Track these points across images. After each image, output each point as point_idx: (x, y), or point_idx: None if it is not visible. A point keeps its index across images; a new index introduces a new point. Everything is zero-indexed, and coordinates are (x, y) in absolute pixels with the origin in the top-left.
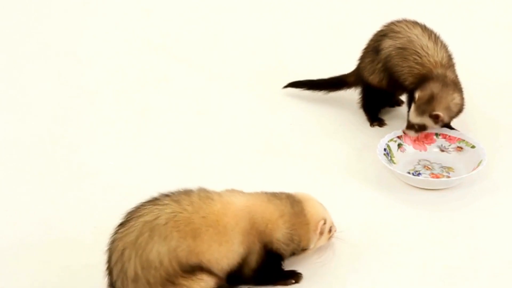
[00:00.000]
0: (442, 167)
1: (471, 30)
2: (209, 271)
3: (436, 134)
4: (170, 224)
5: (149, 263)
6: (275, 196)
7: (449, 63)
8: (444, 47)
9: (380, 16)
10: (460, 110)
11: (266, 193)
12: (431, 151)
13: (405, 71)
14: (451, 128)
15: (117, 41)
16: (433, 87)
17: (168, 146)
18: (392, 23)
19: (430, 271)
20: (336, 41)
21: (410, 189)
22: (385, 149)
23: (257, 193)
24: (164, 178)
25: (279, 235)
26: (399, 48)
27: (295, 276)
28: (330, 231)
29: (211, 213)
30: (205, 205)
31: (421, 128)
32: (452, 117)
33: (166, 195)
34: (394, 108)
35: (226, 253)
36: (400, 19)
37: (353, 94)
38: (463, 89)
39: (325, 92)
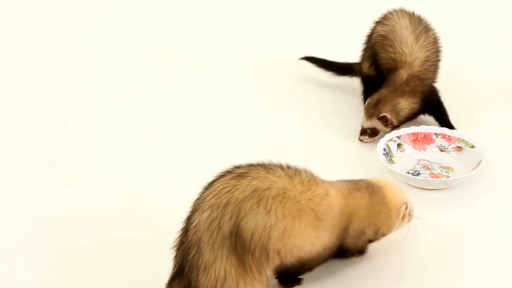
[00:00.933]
0: (441, 167)
1: (471, 30)
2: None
3: (436, 134)
4: (278, 199)
5: (241, 230)
6: (354, 186)
7: (423, 65)
8: (426, 46)
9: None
10: (408, 115)
11: (346, 182)
12: (431, 151)
13: (383, 61)
14: (451, 128)
15: (117, 41)
16: (381, 91)
17: (168, 146)
18: (391, 10)
19: (429, 271)
20: (336, 41)
21: (410, 189)
22: (384, 149)
23: (337, 182)
24: (164, 178)
25: (356, 227)
26: (382, 36)
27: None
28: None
29: (316, 196)
30: (312, 188)
31: (373, 132)
32: (401, 121)
33: (280, 167)
34: None
35: (314, 239)
36: (399, 7)
37: (353, 95)
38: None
39: (334, 74)
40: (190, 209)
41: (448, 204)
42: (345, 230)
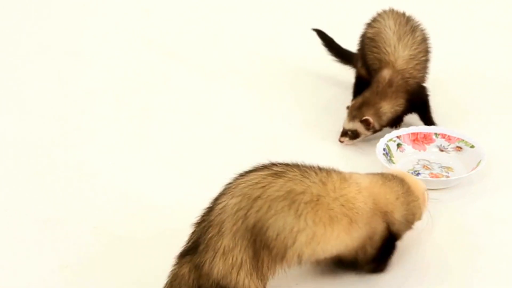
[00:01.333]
0: (441, 167)
1: (471, 30)
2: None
3: (436, 134)
4: (311, 205)
5: (267, 227)
6: (385, 177)
7: (407, 63)
8: (411, 45)
9: None
10: (391, 118)
11: (374, 174)
12: (431, 151)
13: (370, 62)
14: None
15: (117, 41)
16: (365, 94)
17: (168, 146)
18: (380, 11)
19: (428, 271)
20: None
21: None
22: (384, 149)
23: (367, 175)
24: (164, 178)
25: (399, 215)
26: (369, 38)
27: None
28: None
29: (348, 200)
30: (344, 191)
31: (354, 135)
32: (383, 125)
33: (313, 170)
34: None
35: (347, 241)
36: (390, 8)
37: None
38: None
39: (335, 58)
40: (220, 191)
41: (447, 204)
42: (388, 216)
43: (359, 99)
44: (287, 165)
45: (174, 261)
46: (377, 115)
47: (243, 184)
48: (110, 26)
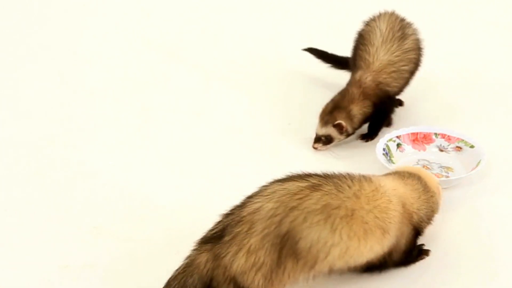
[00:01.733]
0: (441, 167)
1: (471, 30)
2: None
3: (435, 134)
4: (346, 220)
5: (299, 238)
6: (402, 176)
7: (384, 68)
8: (393, 52)
9: None
10: (362, 120)
11: (391, 174)
12: (430, 151)
13: (354, 58)
14: (371, 136)
15: (117, 41)
16: (335, 98)
17: (168, 146)
18: (379, 13)
19: (428, 271)
20: (336, 40)
21: None
22: (384, 149)
23: (387, 176)
24: (164, 177)
25: (422, 213)
26: (360, 35)
27: (425, 251)
28: None
29: (382, 211)
30: (377, 202)
31: (328, 140)
32: (355, 128)
33: (347, 183)
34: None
35: (379, 251)
36: (391, 11)
37: None
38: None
39: (332, 66)
40: (255, 191)
41: (447, 204)
42: (413, 216)
43: (330, 103)
44: (322, 177)
45: (194, 246)
46: (349, 118)
47: (281, 192)
48: (110, 26)
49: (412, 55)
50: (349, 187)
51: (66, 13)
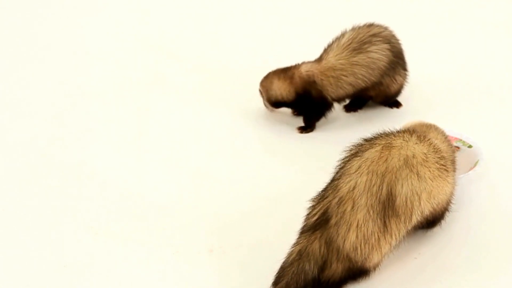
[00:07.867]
0: None
1: (470, 30)
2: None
3: None
4: (424, 165)
5: (396, 196)
6: (416, 133)
7: (326, 70)
8: (340, 59)
9: (380, 16)
10: (278, 100)
11: (413, 131)
12: None
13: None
14: (307, 127)
15: (116, 41)
16: (285, 67)
17: (167, 146)
18: (370, 22)
19: (428, 271)
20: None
21: None
22: None
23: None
24: (163, 177)
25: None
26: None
27: None
28: None
29: (438, 153)
30: (436, 146)
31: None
32: (271, 101)
33: (403, 135)
34: (391, 109)
35: (450, 190)
36: (376, 23)
37: None
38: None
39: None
40: (336, 171)
41: None
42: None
43: (278, 69)
44: (384, 136)
45: (298, 235)
46: (266, 88)
47: (366, 163)
48: (110, 26)
49: (358, 70)
50: (410, 135)
51: (66, 13)
